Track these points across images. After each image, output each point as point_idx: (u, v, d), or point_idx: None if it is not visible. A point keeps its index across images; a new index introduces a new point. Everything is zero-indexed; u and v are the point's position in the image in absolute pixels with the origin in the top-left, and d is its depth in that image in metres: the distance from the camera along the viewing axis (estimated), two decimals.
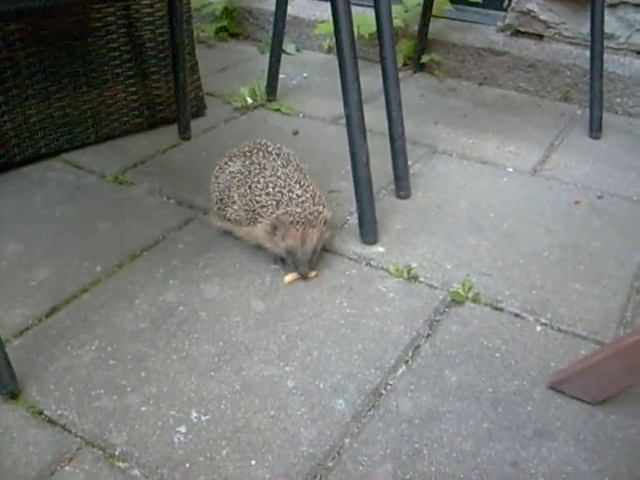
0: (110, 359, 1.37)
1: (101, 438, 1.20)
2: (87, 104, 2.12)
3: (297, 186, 1.57)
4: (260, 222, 1.56)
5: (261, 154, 1.63)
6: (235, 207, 1.61)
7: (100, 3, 1.96)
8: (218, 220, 1.69)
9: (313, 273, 1.60)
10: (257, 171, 1.59)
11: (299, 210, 1.53)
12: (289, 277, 1.59)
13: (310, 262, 1.57)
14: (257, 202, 1.56)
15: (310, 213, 1.54)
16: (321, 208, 1.57)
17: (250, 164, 1.61)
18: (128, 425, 1.23)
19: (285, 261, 1.62)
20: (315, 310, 1.50)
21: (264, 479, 1.14)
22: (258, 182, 1.57)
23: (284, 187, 1.56)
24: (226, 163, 1.67)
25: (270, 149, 1.65)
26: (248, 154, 1.64)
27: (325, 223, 1.58)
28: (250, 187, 1.58)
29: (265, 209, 1.55)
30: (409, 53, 2.85)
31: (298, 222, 1.53)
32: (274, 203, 1.55)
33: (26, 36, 1.91)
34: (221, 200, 1.64)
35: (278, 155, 1.64)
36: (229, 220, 1.65)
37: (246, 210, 1.58)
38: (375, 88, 2.37)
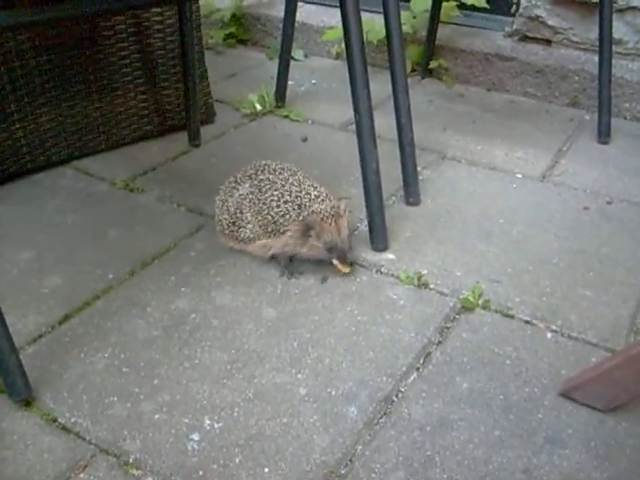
0: (123, 367, 1.38)
1: (115, 445, 1.21)
2: (97, 112, 2.14)
3: (312, 189, 1.61)
4: (285, 231, 1.58)
5: (267, 171, 1.64)
6: (250, 226, 1.62)
7: (111, 14, 1.97)
8: (229, 241, 1.70)
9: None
10: (268, 187, 1.60)
11: (323, 207, 1.56)
12: (347, 269, 1.60)
13: (351, 249, 1.60)
14: (277, 213, 1.57)
15: (332, 207, 1.57)
16: (338, 203, 1.60)
17: (259, 182, 1.62)
18: (142, 432, 1.23)
19: (290, 269, 1.64)
20: (326, 317, 1.51)
21: None
22: (272, 196, 1.58)
23: (300, 192, 1.58)
24: (234, 187, 1.67)
25: (273, 166, 1.66)
26: (254, 175, 1.65)
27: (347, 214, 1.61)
28: (265, 203, 1.59)
29: (288, 216, 1.57)
30: (417, 59, 2.86)
31: (328, 216, 1.55)
32: (296, 207, 1.56)
33: (37, 45, 1.93)
34: (233, 223, 1.65)
35: (283, 169, 1.65)
36: (242, 240, 1.65)
37: (264, 225, 1.59)
38: (384, 94, 2.37)
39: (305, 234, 1.56)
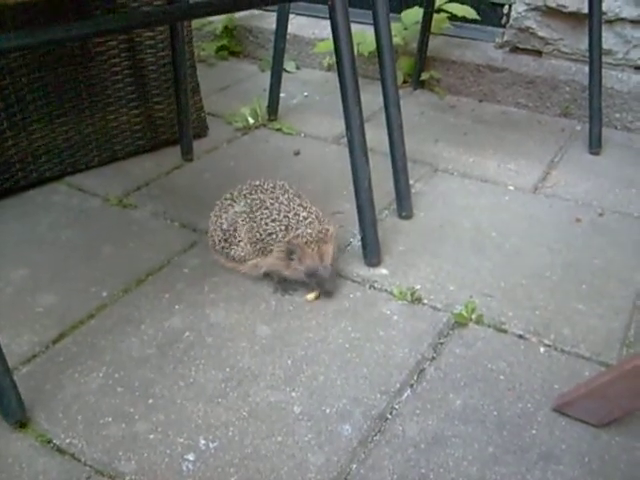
0: (118, 386, 1.38)
1: (110, 467, 1.21)
2: (90, 127, 2.14)
3: (301, 209, 1.60)
4: (271, 250, 1.58)
5: (259, 191, 1.65)
6: (242, 244, 1.62)
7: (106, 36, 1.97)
8: (221, 258, 1.70)
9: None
10: (259, 205, 1.61)
11: (310, 230, 1.56)
12: (311, 295, 1.62)
13: (332, 278, 1.59)
14: (264, 231, 1.58)
15: (320, 231, 1.57)
16: (327, 226, 1.60)
17: (251, 202, 1.63)
18: (137, 453, 1.23)
19: (284, 286, 1.65)
20: (320, 334, 1.51)
21: None
22: (262, 214, 1.59)
23: (289, 212, 1.58)
24: (229, 205, 1.67)
25: (265, 186, 1.66)
26: (248, 195, 1.66)
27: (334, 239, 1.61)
28: (255, 221, 1.60)
29: (274, 236, 1.57)
30: (409, 70, 2.87)
31: (312, 241, 1.55)
32: (283, 228, 1.57)
33: (29, 62, 1.93)
34: (225, 240, 1.65)
35: (274, 187, 1.66)
36: (233, 258, 1.66)
37: (254, 243, 1.60)
38: (375, 106, 2.38)
39: (288, 257, 1.57)
